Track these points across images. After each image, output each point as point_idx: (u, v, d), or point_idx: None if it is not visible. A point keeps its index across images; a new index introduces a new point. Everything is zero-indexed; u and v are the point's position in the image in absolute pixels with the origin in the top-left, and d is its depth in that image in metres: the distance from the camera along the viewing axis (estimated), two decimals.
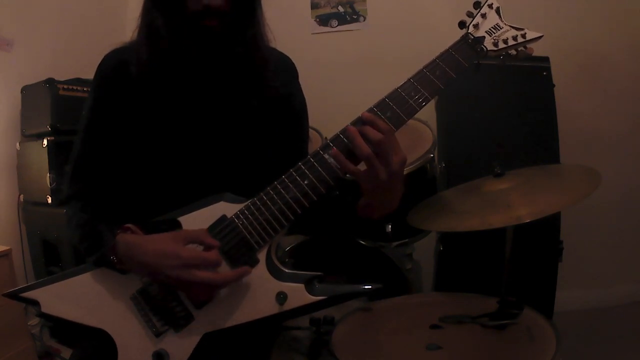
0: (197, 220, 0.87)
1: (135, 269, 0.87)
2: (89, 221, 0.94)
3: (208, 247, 0.83)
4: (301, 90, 1.12)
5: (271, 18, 1.01)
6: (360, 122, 0.83)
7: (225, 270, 0.84)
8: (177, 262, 0.80)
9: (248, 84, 0.99)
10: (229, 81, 0.98)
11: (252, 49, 0.97)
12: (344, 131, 0.84)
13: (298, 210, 0.84)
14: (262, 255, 0.86)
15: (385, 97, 0.85)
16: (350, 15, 2.62)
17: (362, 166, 0.83)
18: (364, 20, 2.61)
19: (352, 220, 0.97)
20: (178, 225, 0.88)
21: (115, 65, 0.97)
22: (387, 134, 0.80)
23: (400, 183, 0.85)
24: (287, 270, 0.85)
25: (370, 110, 0.84)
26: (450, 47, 0.90)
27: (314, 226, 1.06)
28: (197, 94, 0.97)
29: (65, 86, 2.11)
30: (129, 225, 0.88)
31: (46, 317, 0.91)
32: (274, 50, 1.06)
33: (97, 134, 0.98)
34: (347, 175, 0.84)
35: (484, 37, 0.91)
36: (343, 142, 0.83)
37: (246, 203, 0.87)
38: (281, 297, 0.82)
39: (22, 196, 2.24)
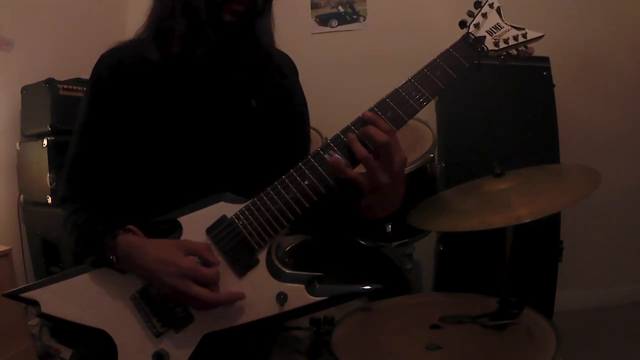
0: (197, 220, 0.87)
1: (133, 270, 0.87)
2: (86, 222, 0.93)
3: (207, 263, 0.83)
4: (302, 89, 1.13)
5: None
6: (360, 122, 0.83)
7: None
8: (174, 270, 0.80)
9: (250, 82, 0.99)
10: (231, 80, 0.98)
11: (262, 47, 0.97)
12: (345, 131, 0.84)
13: (298, 210, 0.84)
14: (262, 256, 0.85)
15: (386, 97, 0.85)
16: (350, 15, 2.62)
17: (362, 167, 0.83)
18: (364, 20, 2.61)
19: (354, 220, 0.97)
20: (178, 226, 0.88)
21: (112, 66, 0.96)
22: (389, 135, 0.80)
23: (402, 183, 0.85)
24: (287, 271, 0.85)
25: (371, 110, 0.84)
26: (451, 47, 0.90)
27: (316, 226, 1.06)
28: (198, 93, 0.97)
29: (65, 86, 2.12)
30: (131, 226, 0.88)
31: (46, 317, 0.91)
32: (276, 49, 1.06)
33: (94, 136, 0.97)
34: None
35: (485, 36, 0.91)
36: (344, 142, 0.83)
37: (246, 203, 0.86)
38: (281, 298, 0.82)
39: (22, 196, 2.24)
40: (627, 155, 2.40)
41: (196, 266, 0.81)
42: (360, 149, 0.80)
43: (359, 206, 0.93)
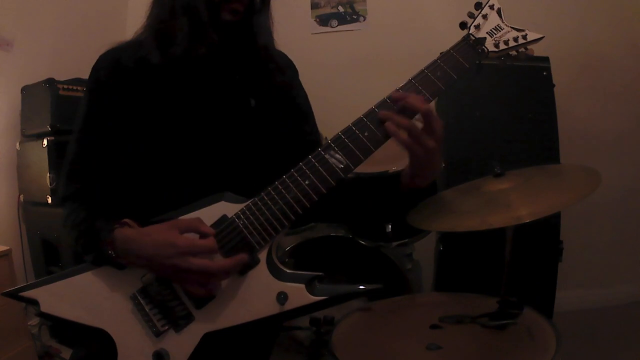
0: None
1: (134, 262, 0.86)
2: (85, 219, 0.93)
3: (204, 235, 0.83)
4: (303, 88, 1.13)
5: None
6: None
7: None
8: (173, 250, 0.80)
9: (250, 81, 0.99)
10: (231, 79, 0.98)
11: (262, 46, 0.98)
12: (347, 130, 0.84)
13: (299, 210, 0.84)
14: (262, 255, 0.85)
15: (387, 98, 0.86)
16: (350, 15, 2.62)
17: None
18: (364, 20, 2.61)
19: (396, 199, 1.01)
20: None
21: (111, 66, 0.96)
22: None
23: (441, 148, 0.88)
24: (287, 271, 0.85)
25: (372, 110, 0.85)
26: (452, 48, 0.90)
27: (359, 213, 1.08)
28: (198, 92, 0.97)
29: (65, 86, 2.12)
30: (127, 220, 0.88)
31: (45, 317, 0.91)
32: (274, 48, 1.06)
33: (93, 136, 0.97)
34: (394, 169, 0.85)
35: (485, 38, 0.91)
36: (344, 142, 0.83)
37: (247, 203, 0.86)
38: (282, 297, 0.82)
39: (22, 196, 2.24)
40: (627, 155, 2.40)
41: (193, 241, 0.82)
42: (403, 120, 0.82)
43: (400, 184, 0.95)
